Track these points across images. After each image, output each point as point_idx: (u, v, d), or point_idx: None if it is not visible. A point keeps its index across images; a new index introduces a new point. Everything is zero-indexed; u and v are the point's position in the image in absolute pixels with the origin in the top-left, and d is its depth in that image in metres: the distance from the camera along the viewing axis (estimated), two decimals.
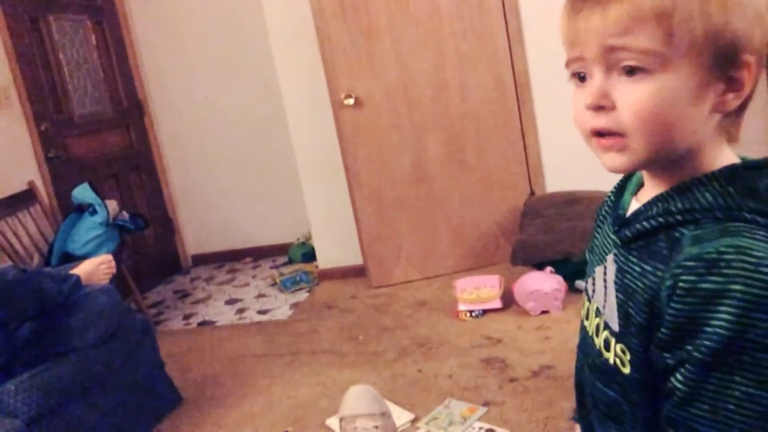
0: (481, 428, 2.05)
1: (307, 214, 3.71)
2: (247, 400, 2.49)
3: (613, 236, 0.73)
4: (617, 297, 0.70)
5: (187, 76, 4.27)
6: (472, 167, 3.38)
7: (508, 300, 2.89)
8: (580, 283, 2.87)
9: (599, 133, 0.67)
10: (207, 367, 2.85)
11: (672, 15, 0.61)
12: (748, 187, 0.63)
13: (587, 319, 0.80)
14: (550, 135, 3.32)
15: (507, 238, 3.38)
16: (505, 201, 3.40)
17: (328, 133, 3.41)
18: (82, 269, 2.29)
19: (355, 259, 3.60)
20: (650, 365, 0.66)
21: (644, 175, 0.74)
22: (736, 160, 0.68)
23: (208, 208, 4.48)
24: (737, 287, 0.58)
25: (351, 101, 3.23)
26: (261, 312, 3.46)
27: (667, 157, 0.67)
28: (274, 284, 3.83)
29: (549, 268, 2.86)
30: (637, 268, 0.67)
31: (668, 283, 0.62)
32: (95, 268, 2.32)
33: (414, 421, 2.15)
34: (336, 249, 3.69)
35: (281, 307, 3.48)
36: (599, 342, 0.75)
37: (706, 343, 0.59)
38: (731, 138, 0.69)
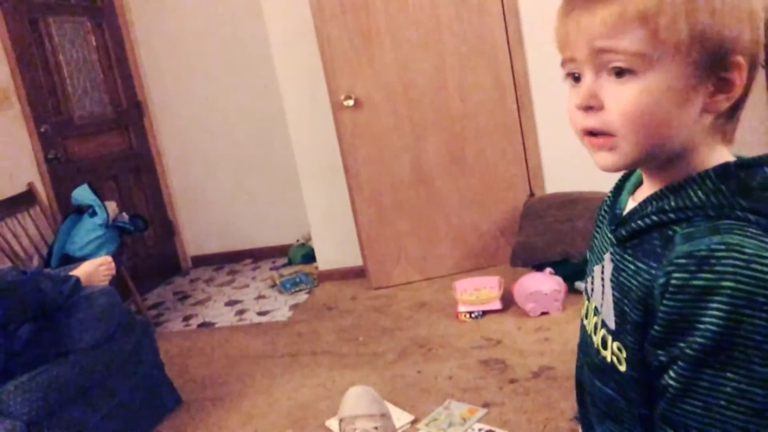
0: (480, 429, 2.05)
1: (307, 215, 3.72)
2: (246, 401, 2.49)
3: (610, 235, 0.74)
4: (613, 295, 0.71)
5: (187, 77, 4.27)
6: (472, 168, 3.38)
7: (508, 301, 2.89)
8: (579, 284, 2.87)
9: (591, 133, 0.68)
10: (207, 369, 2.85)
11: (657, 17, 0.61)
12: (741, 186, 0.64)
13: (586, 317, 0.81)
14: (549, 136, 3.32)
15: (507, 239, 3.38)
16: (504, 202, 3.40)
17: (328, 134, 3.41)
18: (81, 270, 2.29)
19: (354, 260, 3.60)
20: (646, 363, 0.67)
21: (642, 174, 0.75)
22: (731, 159, 0.68)
23: (208, 210, 4.48)
24: (728, 284, 0.58)
25: (351, 102, 3.23)
26: (261, 313, 3.46)
27: (658, 156, 0.67)
28: (273, 285, 3.83)
29: (548, 269, 2.86)
30: (632, 266, 0.68)
31: (661, 280, 0.62)
32: (95, 270, 2.32)
33: (414, 422, 2.15)
34: (336, 250, 3.69)
35: (281, 308, 3.48)
36: (597, 340, 0.75)
37: (698, 339, 0.60)
38: (727, 138, 0.69)
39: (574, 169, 2.91)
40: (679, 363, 0.61)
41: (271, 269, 4.19)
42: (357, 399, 2.04)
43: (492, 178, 3.39)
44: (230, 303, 3.71)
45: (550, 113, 3.27)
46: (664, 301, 0.62)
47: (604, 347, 0.73)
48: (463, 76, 3.28)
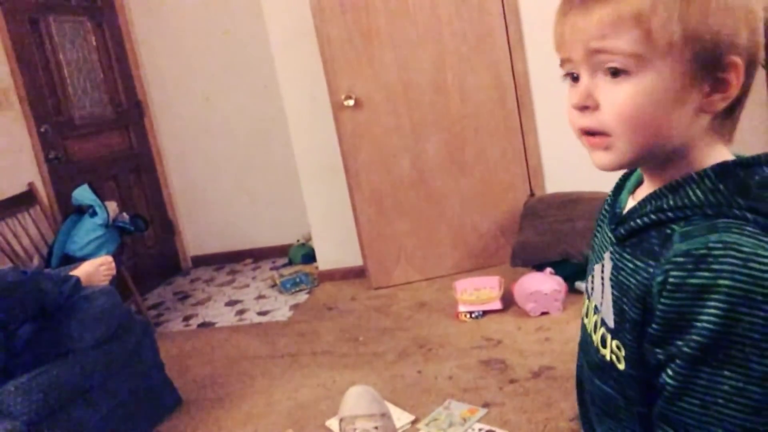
0: (481, 429, 2.05)
1: (307, 215, 3.71)
2: (246, 401, 2.48)
3: (609, 234, 0.74)
4: (613, 294, 0.71)
5: (187, 77, 4.27)
6: (472, 168, 3.38)
7: (508, 301, 2.89)
8: (580, 284, 2.87)
9: (588, 132, 0.69)
10: (207, 369, 2.85)
11: (650, 18, 0.62)
12: (740, 184, 0.64)
13: (587, 316, 0.81)
14: (549, 136, 3.32)
15: (507, 239, 3.38)
16: (504, 202, 3.40)
17: (328, 134, 3.41)
18: (82, 270, 2.29)
19: (355, 260, 3.60)
20: (644, 361, 0.67)
21: (642, 173, 0.75)
22: (731, 158, 0.68)
23: (208, 210, 4.48)
24: (725, 282, 0.58)
25: (351, 102, 3.23)
26: (261, 313, 3.46)
27: (654, 155, 0.68)
28: (274, 285, 3.83)
29: (549, 269, 2.86)
30: (631, 265, 0.68)
31: (659, 278, 0.63)
32: (95, 270, 2.32)
33: (414, 422, 2.15)
34: (336, 250, 3.69)
35: (281, 308, 3.48)
36: (597, 339, 0.76)
37: (695, 338, 0.60)
38: (726, 137, 0.69)
39: (575, 169, 2.90)
40: (677, 361, 0.62)
41: (272, 269, 4.19)
42: (357, 399, 2.04)
43: (492, 178, 3.39)
44: (230, 303, 3.71)
45: (551, 113, 3.26)
46: (662, 300, 0.62)
47: (604, 346, 0.74)
48: (464, 75, 3.28)
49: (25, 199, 3.25)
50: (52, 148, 3.49)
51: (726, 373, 0.59)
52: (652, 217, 0.67)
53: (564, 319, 2.71)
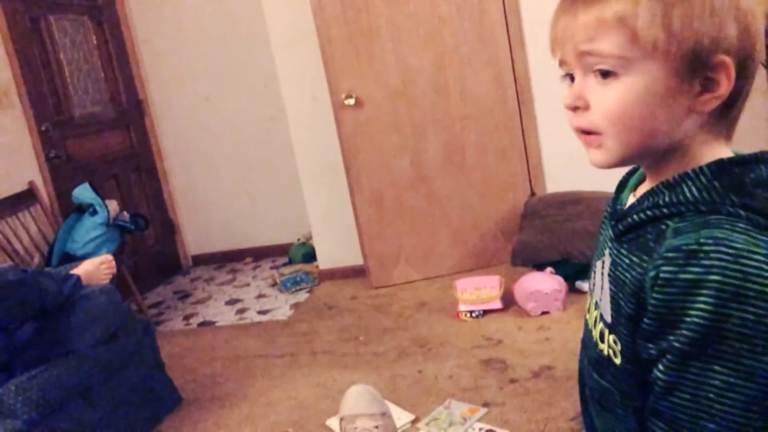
0: (481, 429, 2.05)
1: (308, 214, 3.72)
2: (247, 401, 2.49)
3: (609, 231, 0.75)
4: (610, 289, 0.72)
5: (187, 76, 4.27)
6: (473, 168, 3.38)
7: (509, 301, 2.89)
8: (580, 284, 2.87)
9: (584, 131, 0.70)
10: (207, 368, 2.85)
11: (634, 20, 0.63)
12: (735, 182, 0.64)
13: (589, 312, 0.83)
14: (550, 135, 3.32)
15: (507, 239, 3.38)
16: (505, 201, 3.40)
17: (329, 134, 3.41)
18: (82, 269, 2.29)
19: (355, 259, 3.60)
20: (638, 356, 0.67)
21: (644, 171, 0.76)
22: (729, 156, 0.68)
23: (209, 209, 4.48)
24: (715, 278, 0.59)
25: (351, 101, 3.23)
26: (261, 312, 3.46)
27: (647, 153, 0.69)
28: (274, 284, 3.83)
29: (549, 269, 2.86)
30: (627, 260, 0.69)
31: (651, 274, 0.63)
32: (95, 269, 2.32)
33: (414, 421, 2.15)
34: (336, 249, 3.69)
35: (281, 307, 3.48)
36: (596, 334, 0.77)
37: (686, 333, 0.60)
38: (725, 135, 0.70)
39: (575, 168, 2.90)
40: (668, 356, 0.62)
41: (272, 268, 4.19)
42: (357, 398, 2.04)
43: (492, 178, 3.39)
44: (231, 302, 3.71)
45: (551, 112, 3.26)
46: (654, 295, 0.62)
47: (602, 340, 0.75)
48: (464, 75, 3.28)
49: (26, 198, 3.25)
50: (52, 147, 3.49)
51: (716, 368, 0.59)
52: (648, 213, 0.68)
53: (564, 318, 2.71)
